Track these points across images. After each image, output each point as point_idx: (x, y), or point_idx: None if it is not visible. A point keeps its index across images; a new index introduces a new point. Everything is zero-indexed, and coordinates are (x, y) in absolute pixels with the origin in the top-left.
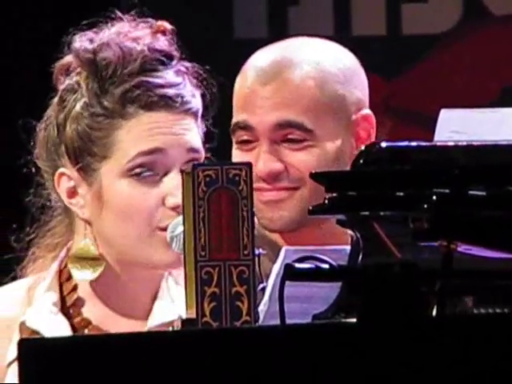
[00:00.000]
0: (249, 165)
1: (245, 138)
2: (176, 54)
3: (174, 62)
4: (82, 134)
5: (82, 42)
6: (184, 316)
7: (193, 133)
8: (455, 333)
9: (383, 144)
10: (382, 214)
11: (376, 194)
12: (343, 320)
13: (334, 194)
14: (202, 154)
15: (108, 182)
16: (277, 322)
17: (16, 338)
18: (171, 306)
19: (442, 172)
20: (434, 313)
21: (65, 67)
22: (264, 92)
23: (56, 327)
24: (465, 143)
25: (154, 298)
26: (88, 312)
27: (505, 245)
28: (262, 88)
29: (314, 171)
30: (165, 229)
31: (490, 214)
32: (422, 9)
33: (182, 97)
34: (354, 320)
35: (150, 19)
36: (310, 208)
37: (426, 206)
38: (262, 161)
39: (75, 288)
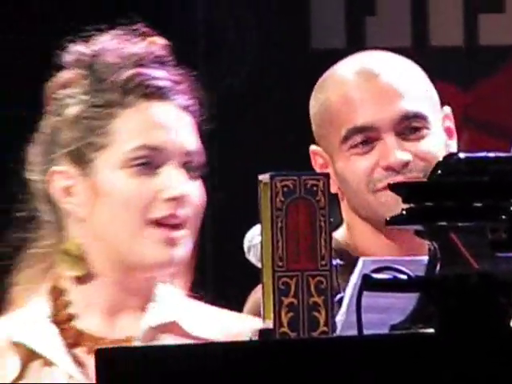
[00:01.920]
0: (326, 175)
1: (363, 139)
2: (171, 62)
3: (169, 67)
4: (80, 127)
5: (79, 48)
6: (262, 327)
7: (192, 132)
8: None
9: (461, 155)
10: (459, 224)
11: (454, 204)
12: (421, 330)
13: (412, 205)
14: (201, 157)
15: (104, 172)
16: (354, 332)
17: (13, 357)
18: (163, 308)
19: None
20: None
21: (64, 80)
22: (375, 87)
23: (48, 340)
24: None
25: (149, 299)
26: (85, 322)
27: None
28: (371, 83)
29: (392, 182)
30: (158, 222)
31: None
32: (500, 19)
33: (180, 93)
34: (432, 330)
35: (145, 31)
36: (388, 219)
37: (504, 216)
38: (395, 152)
39: (66, 304)
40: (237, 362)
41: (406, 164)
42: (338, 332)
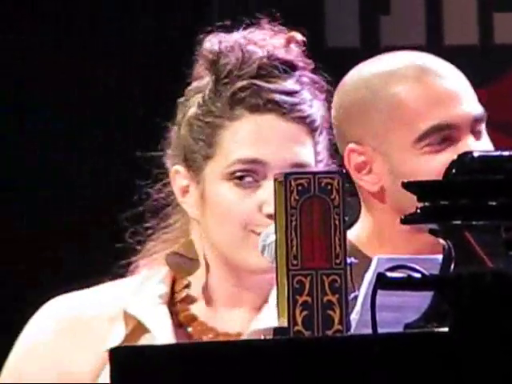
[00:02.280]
0: (341, 173)
1: (442, 137)
2: (300, 64)
3: (295, 72)
4: (192, 133)
5: (210, 43)
6: (276, 325)
7: (302, 145)
8: None
9: (475, 153)
10: (474, 223)
11: (468, 203)
12: (435, 329)
13: (427, 203)
14: (311, 169)
15: (210, 182)
16: (369, 330)
17: (120, 325)
18: (275, 311)
19: None
20: None
21: (196, 71)
22: (449, 87)
23: (158, 318)
24: None
25: (265, 299)
26: (196, 309)
27: None
28: (443, 82)
29: (405, 181)
30: (259, 234)
31: None
32: None
33: (294, 104)
34: (446, 329)
35: (282, 28)
36: (403, 217)
37: None
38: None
39: (188, 285)
40: (251, 360)
41: None
42: (352, 330)
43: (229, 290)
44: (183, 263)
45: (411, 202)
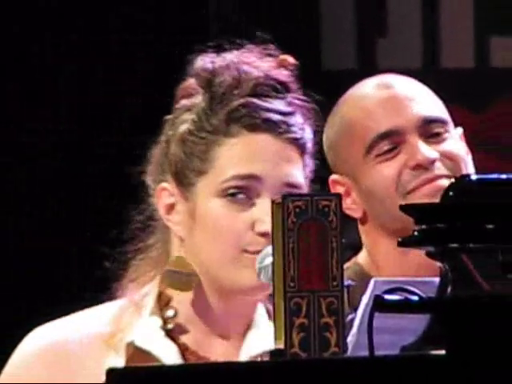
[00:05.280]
0: (338, 196)
1: (388, 145)
2: (292, 86)
3: (288, 94)
4: (185, 148)
5: (203, 62)
6: (272, 347)
7: (294, 166)
8: None
9: (473, 176)
10: (471, 246)
11: (466, 226)
12: (432, 352)
13: (424, 226)
14: (302, 190)
15: (202, 198)
16: (365, 353)
17: (122, 356)
18: (265, 336)
19: None
20: None
21: (185, 89)
22: (393, 95)
23: (166, 350)
24: None
25: (249, 325)
26: (186, 337)
27: None
28: (388, 92)
29: (403, 203)
30: (251, 252)
31: None
32: (511, 41)
33: (289, 125)
34: (443, 352)
35: (274, 51)
36: (400, 240)
37: None
38: (422, 150)
39: (175, 314)
40: (249, 382)
41: (433, 161)
42: (348, 353)
43: (214, 315)
44: (180, 279)
45: (390, 218)
